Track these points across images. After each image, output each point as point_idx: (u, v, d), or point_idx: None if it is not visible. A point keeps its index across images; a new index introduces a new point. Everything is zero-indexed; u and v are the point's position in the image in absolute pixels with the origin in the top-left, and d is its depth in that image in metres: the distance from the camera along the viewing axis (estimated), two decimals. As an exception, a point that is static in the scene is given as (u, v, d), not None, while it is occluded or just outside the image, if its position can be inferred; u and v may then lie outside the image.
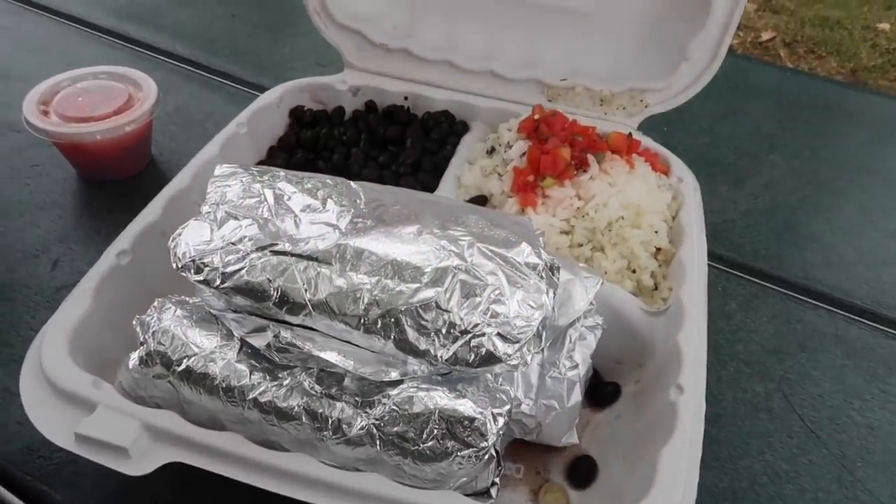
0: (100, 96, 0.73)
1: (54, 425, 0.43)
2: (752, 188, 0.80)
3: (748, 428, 0.56)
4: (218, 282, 0.42)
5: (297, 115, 0.74)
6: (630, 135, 0.66)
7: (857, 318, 0.66)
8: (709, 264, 0.57)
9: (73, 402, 0.44)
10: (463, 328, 0.40)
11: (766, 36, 2.09)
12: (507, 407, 0.42)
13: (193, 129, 0.81)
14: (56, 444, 0.42)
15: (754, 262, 0.71)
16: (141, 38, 0.97)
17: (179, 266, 0.43)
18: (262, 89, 0.74)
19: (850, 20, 2.19)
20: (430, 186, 0.65)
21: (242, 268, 0.42)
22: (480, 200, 0.63)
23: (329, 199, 0.46)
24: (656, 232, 0.59)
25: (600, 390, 0.55)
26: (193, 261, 0.42)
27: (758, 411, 0.57)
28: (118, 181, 0.74)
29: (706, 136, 0.84)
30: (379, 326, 0.40)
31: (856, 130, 0.91)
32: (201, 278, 0.42)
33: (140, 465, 0.42)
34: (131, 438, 0.42)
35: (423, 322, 0.40)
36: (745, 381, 0.60)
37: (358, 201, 0.46)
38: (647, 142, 0.68)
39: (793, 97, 0.96)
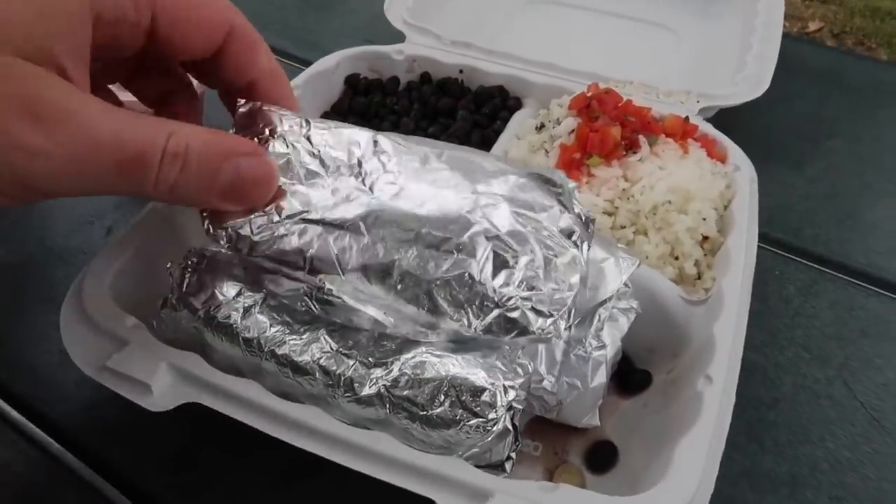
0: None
1: (88, 357, 0.45)
2: (811, 172, 0.76)
3: (808, 414, 0.54)
4: (246, 251, 0.42)
5: (351, 82, 0.74)
6: (687, 118, 0.64)
7: (924, 306, 0.62)
8: (765, 248, 0.55)
9: (109, 338, 0.46)
10: (496, 300, 0.39)
11: (813, 26, 1.99)
12: (521, 380, 0.41)
13: None
14: (94, 383, 0.44)
15: (813, 246, 0.68)
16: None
17: (210, 232, 0.43)
18: (312, 64, 0.75)
19: None
20: (477, 160, 0.64)
21: (273, 236, 0.42)
22: (525, 176, 0.62)
23: (360, 158, 0.45)
24: (704, 219, 0.56)
25: (630, 377, 0.53)
26: (224, 229, 0.43)
27: (818, 397, 0.55)
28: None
29: (763, 117, 0.80)
30: (411, 296, 0.40)
31: (919, 116, 0.85)
32: (230, 245, 0.42)
33: (160, 401, 0.43)
34: (155, 376, 0.43)
35: (456, 294, 0.40)
36: (805, 366, 0.57)
37: (386, 159, 0.45)
38: (704, 127, 0.65)
39: (852, 81, 0.92)
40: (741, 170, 0.61)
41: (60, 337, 0.46)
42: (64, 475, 0.49)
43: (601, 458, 0.49)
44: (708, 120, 0.68)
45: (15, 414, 0.52)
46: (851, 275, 0.65)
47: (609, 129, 0.58)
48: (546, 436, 0.50)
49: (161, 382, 0.44)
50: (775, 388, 0.55)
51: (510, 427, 0.41)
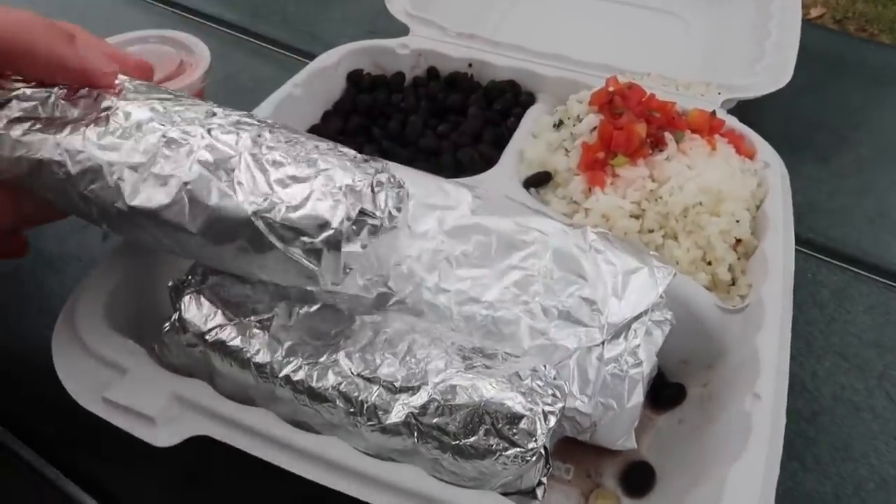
0: (149, 62, 0.70)
1: (84, 387, 0.42)
2: (839, 167, 0.73)
3: (849, 428, 0.51)
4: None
5: (354, 79, 0.70)
6: (714, 113, 0.60)
7: (962, 311, 0.60)
8: (796, 248, 0.52)
9: (105, 365, 0.43)
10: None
11: (815, 13, 1.97)
12: (561, 405, 0.38)
13: (244, 98, 0.78)
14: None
15: (844, 247, 0.65)
16: (188, 4, 0.95)
17: None
18: (313, 57, 0.71)
19: None
20: (491, 159, 0.61)
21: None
22: (544, 177, 0.59)
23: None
24: (737, 221, 0.53)
25: (663, 391, 0.50)
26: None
27: (859, 410, 0.52)
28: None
29: (787, 109, 0.77)
30: None
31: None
32: None
33: (166, 436, 0.40)
34: (159, 407, 0.40)
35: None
36: (843, 376, 0.55)
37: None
38: (731, 122, 0.62)
39: (877, 72, 0.89)
40: (771, 167, 0.58)
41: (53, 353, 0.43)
42: (59, 501, 0.46)
43: (638, 480, 0.46)
44: (729, 112, 0.65)
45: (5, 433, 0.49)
46: (886, 276, 0.62)
47: (634, 126, 0.55)
48: (577, 456, 0.47)
49: (166, 414, 0.40)
50: (814, 400, 0.53)
51: (542, 451, 0.38)
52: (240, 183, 0.38)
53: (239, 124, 0.41)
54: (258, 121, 0.43)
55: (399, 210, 0.42)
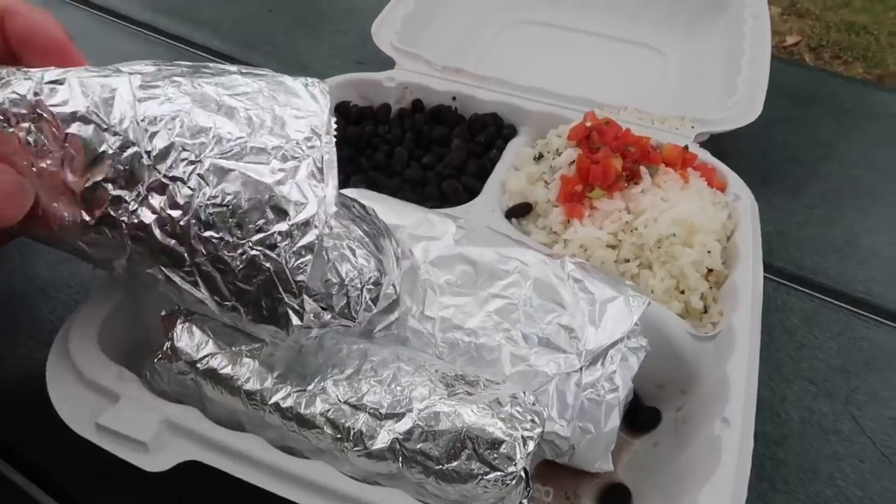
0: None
1: (77, 413, 0.43)
2: (809, 198, 0.76)
3: (817, 451, 0.53)
4: None
5: (342, 110, 0.72)
6: (686, 148, 0.63)
7: (925, 337, 0.62)
8: (767, 277, 0.55)
9: (98, 392, 0.44)
10: None
11: (790, 40, 2.04)
12: (539, 430, 0.39)
13: None
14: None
15: (814, 276, 0.67)
16: (178, 33, 0.97)
17: None
18: (302, 87, 0.72)
19: (877, 26, 2.15)
20: (474, 189, 0.63)
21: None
22: (525, 208, 0.61)
23: None
24: (709, 252, 0.56)
25: (639, 415, 0.52)
26: None
27: (826, 433, 0.55)
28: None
29: (759, 141, 0.80)
30: None
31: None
32: None
33: (158, 461, 0.41)
34: (151, 433, 0.41)
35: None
36: (812, 400, 0.57)
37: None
38: (703, 155, 0.65)
39: (846, 105, 0.92)
40: (741, 199, 0.61)
41: (45, 376, 0.44)
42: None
43: (614, 501, 0.48)
44: (702, 145, 0.68)
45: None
46: (853, 304, 0.64)
47: (611, 160, 0.57)
48: (556, 479, 0.49)
49: (157, 440, 0.41)
50: (783, 423, 0.55)
51: (522, 474, 0.40)
52: None
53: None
54: None
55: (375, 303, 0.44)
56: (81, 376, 0.44)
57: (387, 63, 0.78)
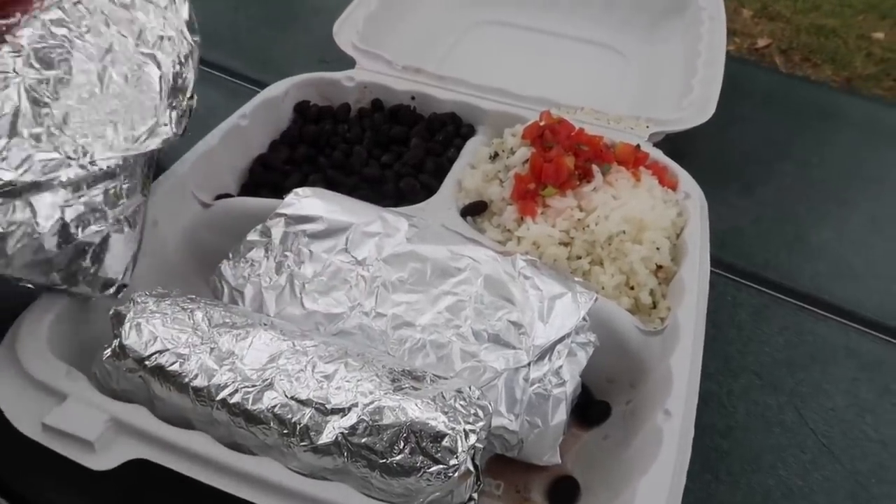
0: None
1: (23, 412, 0.43)
2: (762, 196, 0.78)
3: (760, 442, 0.55)
4: None
5: (301, 109, 0.73)
6: (638, 147, 0.64)
7: (868, 330, 0.64)
8: (718, 273, 0.56)
9: (46, 392, 0.44)
10: None
11: (761, 42, 2.07)
12: (482, 423, 0.40)
13: (195, 124, 0.78)
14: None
15: (764, 271, 0.69)
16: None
17: None
18: (265, 85, 0.73)
19: (846, 29, 2.19)
20: (432, 188, 0.64)
21: None
22: (481, 206, 0.62)
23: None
24: (658, 249, 0.57)
25: (589, 409, 0.53)
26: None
27: (770, 425, 0.56)
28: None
29: (714, 140, 0.82)
30: None
31: (864, 139, 0.89)
32: None
33: (104, 460, 0.41)
34: (97, 432, 0.41)
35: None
36: (757, 393, 0.58)
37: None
38: (655, 154, 0.66)
39: (801, 105, 0.95)
40: (691, 197, 0.62)
41: None
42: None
43: (563, 494, 0.49)
44: (658, 145, 0.69)
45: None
46: (801, 299, 0.66)
47: (563, 158, 0.58)
48: (507, 473, 0.50)
49: (104, 439, 0.41)
50: (729, 415, 0.56)
51: (471, 468, 0.41)
52: None
53: None
54: None
55: None
56: (28, 375, 0.44)
57: (349, 63, 0.78)
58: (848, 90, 1.84)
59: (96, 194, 0.46)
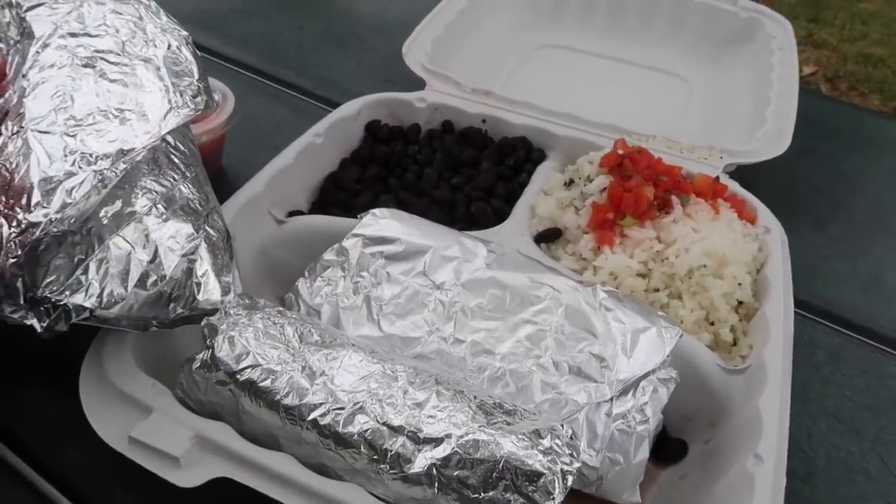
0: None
1: (110, 426, 0.43)
2: (835, 232, 0.76)
3: (844, 490, 0.53)
4: None
5: (372, 129, 0.73)
6: (717, 178, 0.63)
7: (953, 377, 0.62)
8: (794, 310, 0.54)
9: (132, 405, 0.44)
10: None
11: (807, 70, 2.04)
12: (578, 465, 0.39)
13: (262, 141, 0.80)
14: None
15: (840, 311, 0.67)
16: (209, 46, 0.97)
17: None
18: (330, 103, 0.73)
19: (894, 58, 2.15)
20: (503, 213, 0.64)
21: None
22: (555, 233, 0.61)
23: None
24: (739, 284, 0.56)
25: (666, 446, 0.52)
26: None
27: (853, 472, 0.54)
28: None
29: (782, 173, 0.80)
30: None
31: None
32: None
33: (189, 476, 0.41)
34: (183, 448, 0.41)
35: None
36: (838, 438, 0.56)
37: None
38: (733, 186, 0.65)
39: (872, 139, 0.92)
40: (772, 232, 0.61)
41: (74, 386, 0.44)
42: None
43: (642, 534, 0.47)
44: (729, 175, 0.68)
45: (29, 471, 0.49)
46: (881, 341, 0.64)
47: (643, 188, 0.58)
48: (583, 509, 0.49)
49: (189, 455, 0.41)
50: (809, 461, 0.54)
51: (553, 505, 0.40)
52: None
53: None
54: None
55: None
56: (115, 388, 0.44)
57: (414, 82, 0.78)
58: (903, 121, 1.80)
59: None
